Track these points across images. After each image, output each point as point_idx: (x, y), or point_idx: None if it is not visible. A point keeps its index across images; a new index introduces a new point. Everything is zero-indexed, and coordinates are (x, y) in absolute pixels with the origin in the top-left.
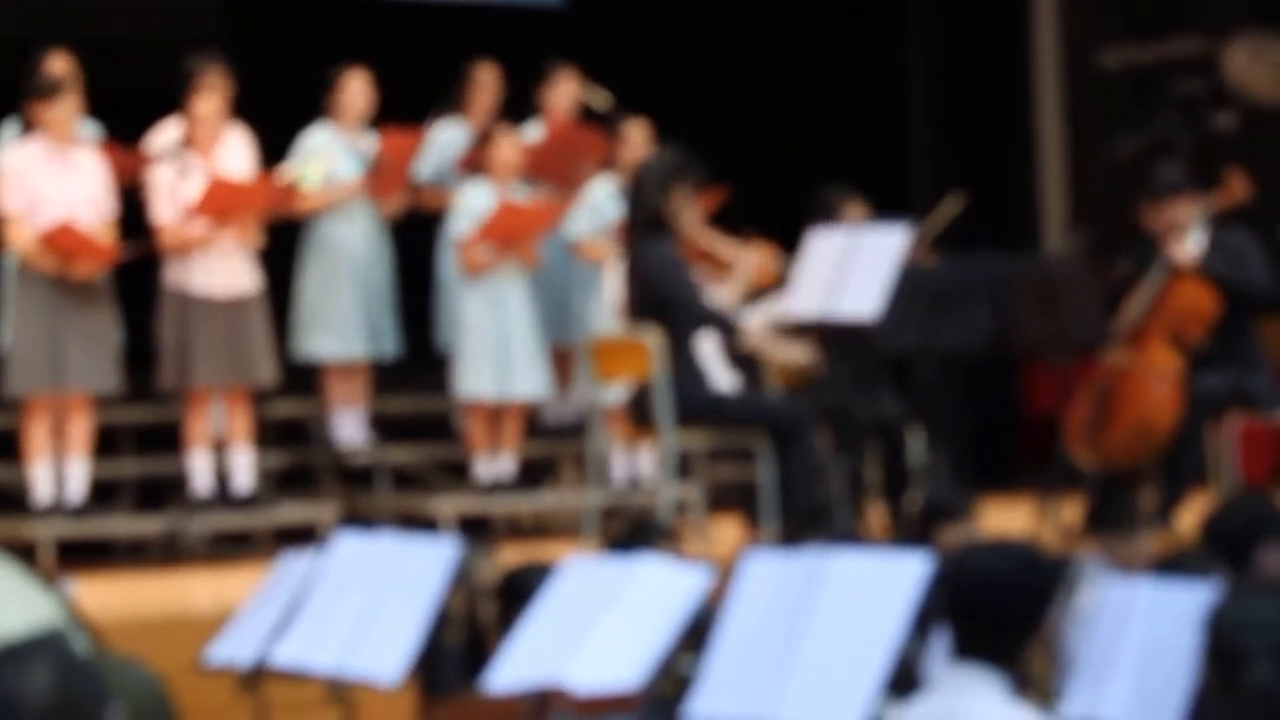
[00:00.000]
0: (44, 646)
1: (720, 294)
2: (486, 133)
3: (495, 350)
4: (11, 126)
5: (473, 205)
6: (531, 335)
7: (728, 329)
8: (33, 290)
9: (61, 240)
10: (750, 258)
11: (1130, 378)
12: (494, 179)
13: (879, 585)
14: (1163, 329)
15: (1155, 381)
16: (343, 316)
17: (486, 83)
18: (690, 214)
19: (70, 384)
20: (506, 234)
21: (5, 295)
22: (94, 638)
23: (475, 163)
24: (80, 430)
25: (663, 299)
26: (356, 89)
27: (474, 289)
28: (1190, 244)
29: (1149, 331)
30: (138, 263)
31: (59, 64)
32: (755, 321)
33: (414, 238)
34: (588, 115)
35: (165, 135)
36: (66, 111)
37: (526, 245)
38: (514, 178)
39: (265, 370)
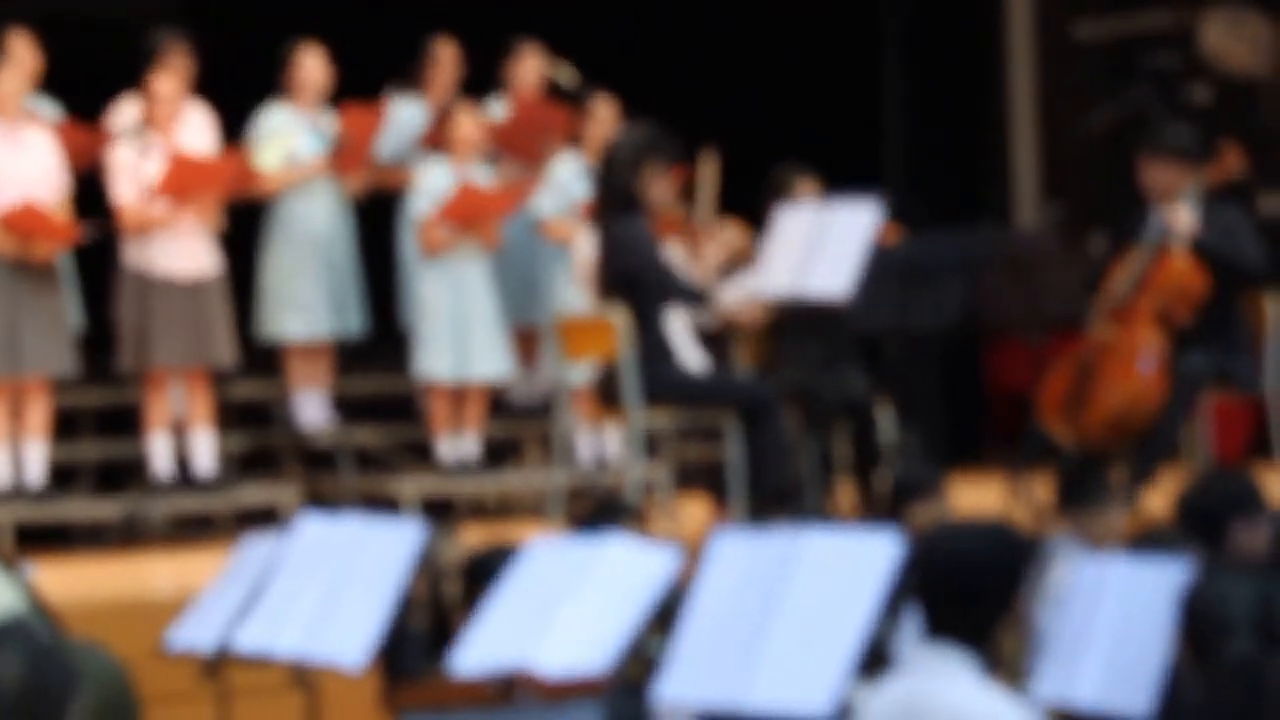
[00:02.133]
0: (12, 633)
1: (692, 270)
2: (446, 110)
3: (454, 331)
4: None
5: (432, 184)
6: (492, 316)
7: (697, 300)
8: None
9: (22, 221)
10: (723, 234)
11: (1114, 355)
12: (454, 157)
13: (850, 565)
14: (1150, 306)
15: (1140, 361)
16: (308, 296)
17: (445, 59)
18: (661, 191)
19: (28, 368)
20: (466, 216)
21: None
22: (54, 623)
23: (435, 140)
24: (38, 414)
25: (633, 275)
26: (312, 65)
27: (433, 269)
28: (1184, 215)
29: (1135, 308)
30: (96, 243)
31: (12, 40)
32: (727, 298)
33: (376, 216)
34: (553, 91)
35: (125, 114)
36: (14, 87)
37: (487, 226)
38: (475, 156)
39: (225, 352)
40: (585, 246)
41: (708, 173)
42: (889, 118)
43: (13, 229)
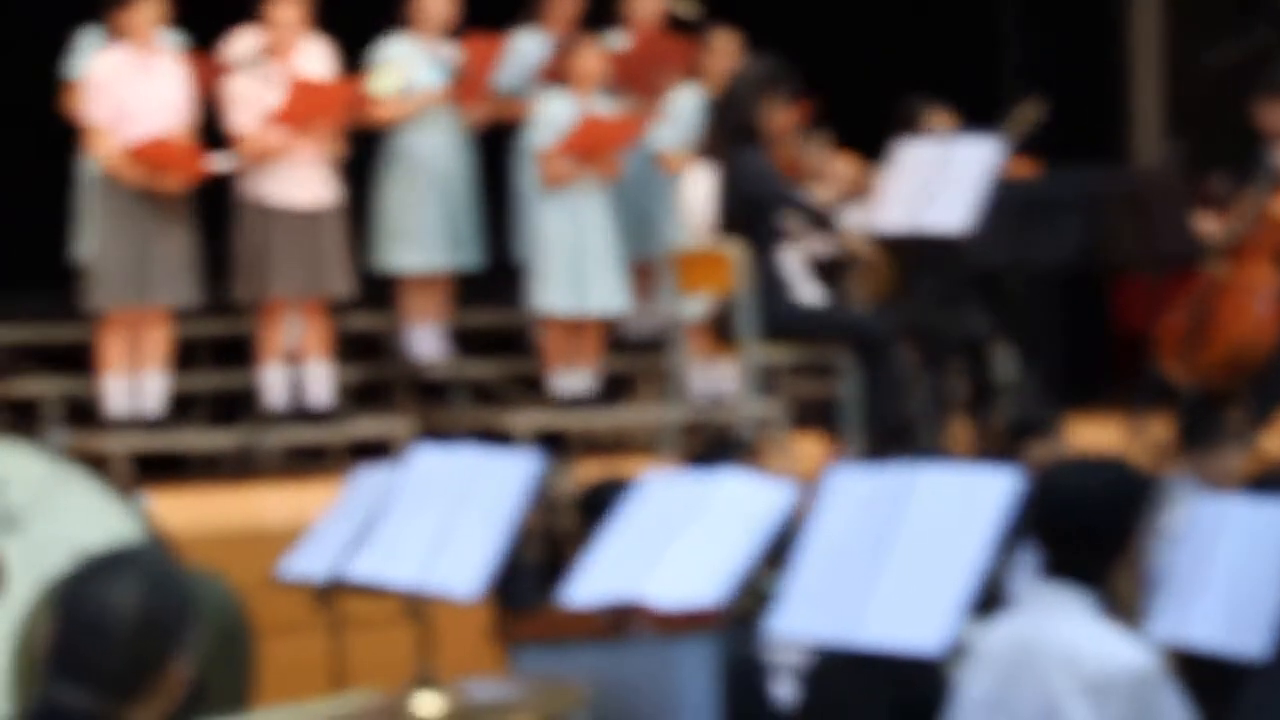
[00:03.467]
0: (130, 561)
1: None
2: (567, 43)
3: (571, 264)
4: (93, 34)
5: (553, 116)
6: (610, 249)
7: (824, 224)
8: (118, 203)
9: (154, 154)
10: (839, 168)
11: (1230, 294)
12: (575, 90)
13: (966, 501)
14: (1266, 244)
15: (1256, 300)
16: (424, 228)
17: None
18: (781, 123)
19: (154, 299)
20: (588, 147)
21: (86, 207)
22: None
23: (556, 73)
24: (158, 344)
25: (755, 205)
26: None
27: (552, 201)
28: None
29: (1251, 246)
30: (214, 173)
31: None
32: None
33: (494, 148)
34: (673, 24)
35: (243, 43)
36: (147, 16)
37: (607, 157)
38: (595, 88)
39: (342, 283)
40: (693, 185)
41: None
42: (1009, 53)
43: (143, 161)
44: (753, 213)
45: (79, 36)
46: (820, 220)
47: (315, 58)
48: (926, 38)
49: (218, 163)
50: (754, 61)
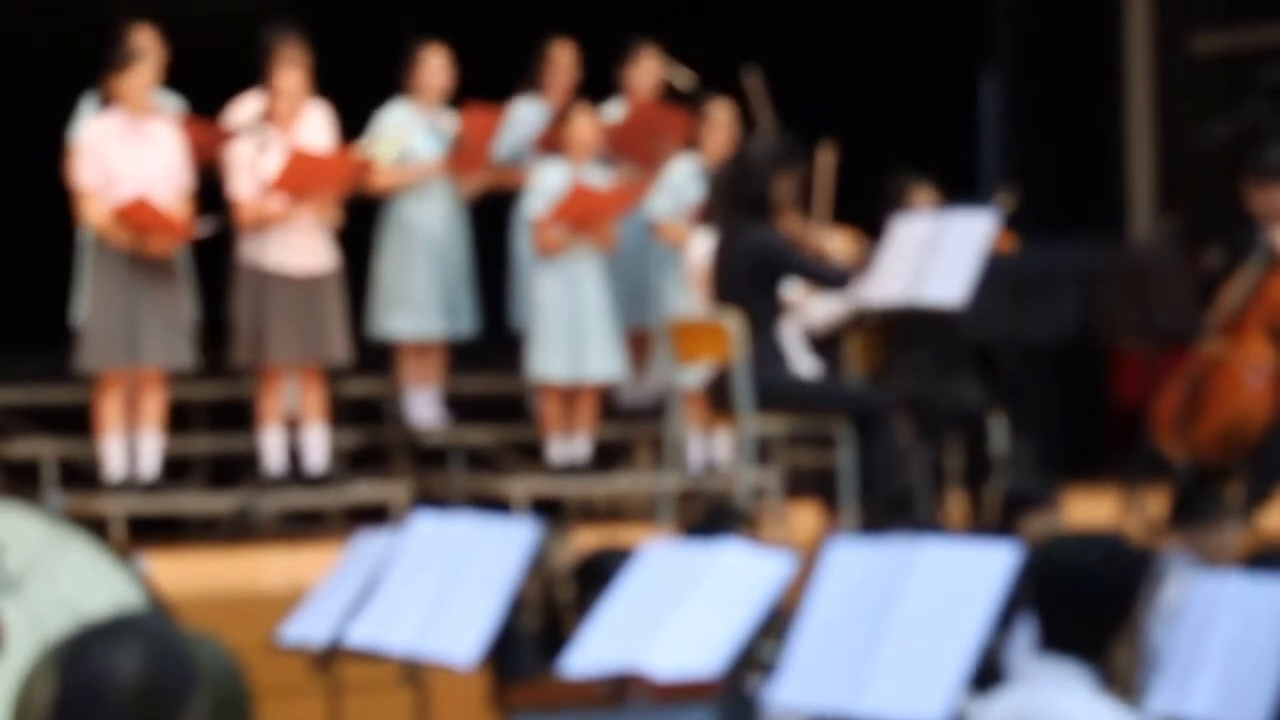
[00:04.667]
0: (130, 626)
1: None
2: (563, 111)
3: (568, 331)
4: (91, 101)
5: (547, 185)
6: (606, 316)
7: (844, 282)
8: (108, 266)
9: (136, 215)
10: (840, 244)
11: (1225, 370)
12: (569, 158)
13: (965, 575)
14: (1261, 321)
15: (1251, 375)
16: (420, 295)
17: (563, 61)
18: (786, 194)
19: (145, 360)
20: (580, 215)
21: (80, 270)
22: (169, 616)
23: (552, 141)
24: (154, 406)
25: (762, 273)
26: (435, 65)
27: (548, 269)
28: None
29: (1246, 323)
30: (214, 238)
31: (143, 37)
32: (834, 308)
33: (491, 216)
34: (671, 94)
35: (246, 110)
36: (141, 81)
37: (601, 227)
38: (590, 157)
39: (339, 348)
40: (698, 249)
41: (825, 167)
42: (1006, 127)
43: (127, 223)
44: (755, 284)
45: (82, 102)
46: (840, 278)
47: (316, 124)
48: (922, 113)
49: (202, 226)
50: (768, 135)
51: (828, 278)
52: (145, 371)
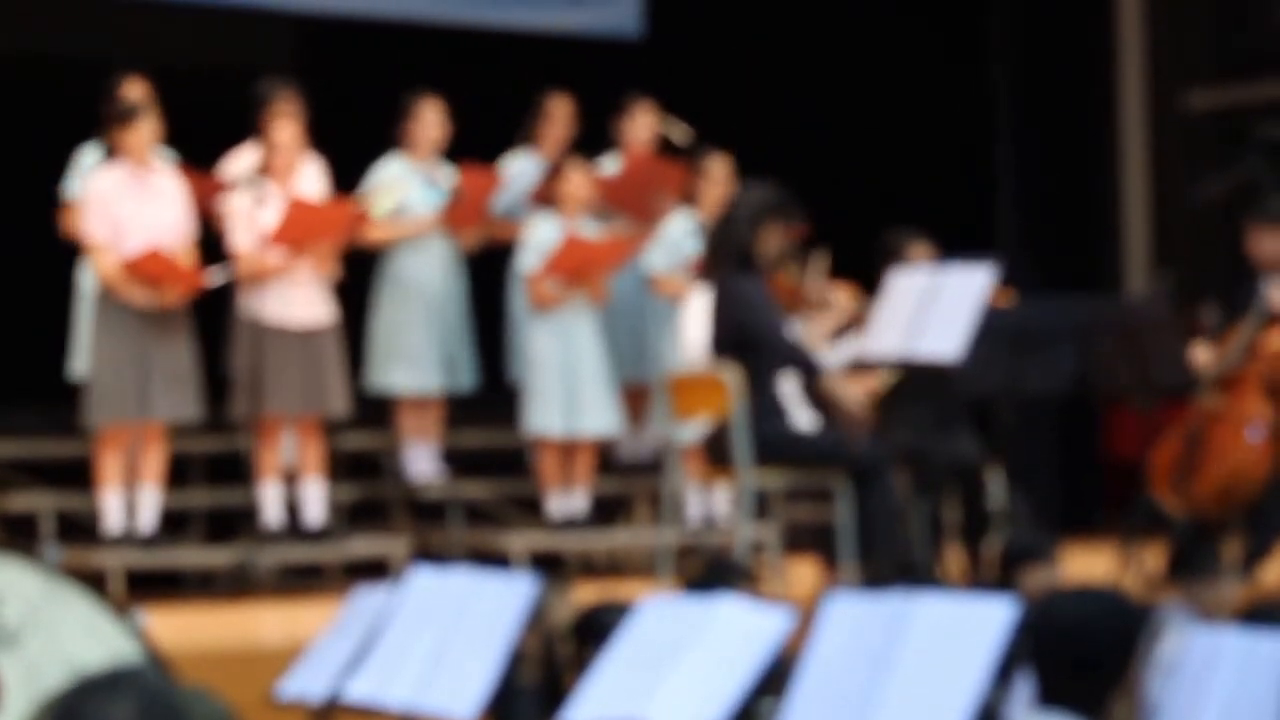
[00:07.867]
0: (126, 680)
1: (805, 332)
2: (558, 165)
3: (563, 385)
4: (92, 153)
5: (541, 239)
6: (601, 371)
7: (810, 369)
8: (115, 319)
9: (149, 267)
10: (837, 298)
11: (1222, 425)
12: (563, 212)
13: (964, 629)
14: (1258, 376)
15: (1248, 431)
16: (417, 350)
17: (558, 115)
18: (774, 246)
19: (154, 414)
20: (573, 269)
21: (80, 324)
22: (166, 670)
23: (547, 196)
24: (156, 459)
25: (747, 334)
26: (430, 119)
27: (543, 324)
28: None
29: (1244, 378)
30: (211, 291)
31: (135, 89)
32: (833, 361)
33: (487, 270)
34: (667, 148)
35: (241, 162)
36: (145, 135)
37: (595, 281)
38: (583, 211)
39: (338, 402)
40: (696, 304)
41: (819, 266)
42: (1001, 184)
43: (139, 275)
44: (747, 339)
45: (78, 155)
46: (807, 365)
47: (311, 177)
48: (920, 168)
49: (212, 276)
50: (755, 187)
51: (796, 359)
52: (150, 425)
